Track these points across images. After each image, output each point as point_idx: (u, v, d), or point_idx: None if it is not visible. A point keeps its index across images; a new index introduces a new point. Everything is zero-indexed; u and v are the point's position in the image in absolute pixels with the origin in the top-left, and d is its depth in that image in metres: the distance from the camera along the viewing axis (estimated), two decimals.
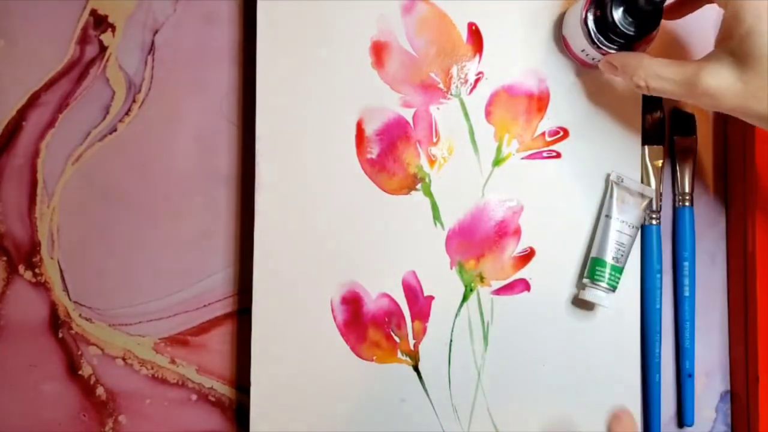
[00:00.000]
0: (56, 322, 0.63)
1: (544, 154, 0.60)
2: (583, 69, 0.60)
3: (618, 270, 0.58)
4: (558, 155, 0.60)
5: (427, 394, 0.60)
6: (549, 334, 0.60)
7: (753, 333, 0.60)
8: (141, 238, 0.63)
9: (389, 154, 0.60)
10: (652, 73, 0.50)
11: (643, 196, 0.60)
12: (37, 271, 0.63)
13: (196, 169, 0.63)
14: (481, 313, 0.60)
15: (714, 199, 0.64)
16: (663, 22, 0.53)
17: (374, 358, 0.60)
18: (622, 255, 0.58)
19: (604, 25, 0.53)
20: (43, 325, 0.63)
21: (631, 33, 0.52)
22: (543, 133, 0.60)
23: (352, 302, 0.60)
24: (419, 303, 0.60)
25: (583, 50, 0.56)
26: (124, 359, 0.63)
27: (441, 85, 0.60)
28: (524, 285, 0.60)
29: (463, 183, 0.60)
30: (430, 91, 0.60)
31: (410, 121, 0.60)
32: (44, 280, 0.63)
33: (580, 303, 0.60)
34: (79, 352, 0.63)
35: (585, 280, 0.59)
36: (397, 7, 0.60)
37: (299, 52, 0.60)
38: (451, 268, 0.60)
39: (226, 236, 0.63)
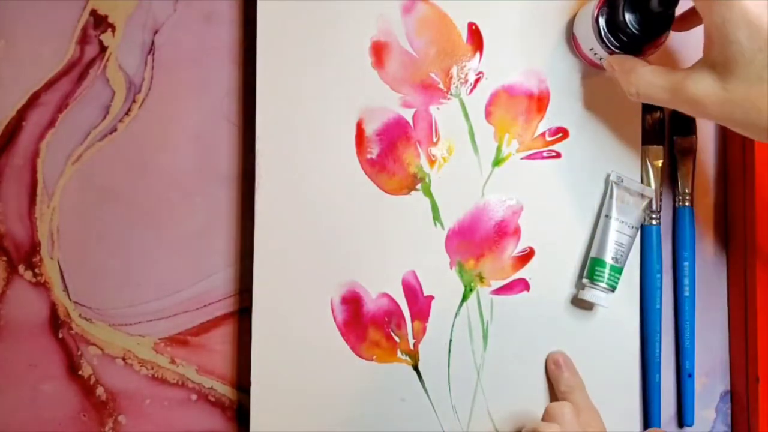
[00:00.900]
0: (56, 322, 0.63)
1: (544, 154, 0.60)
2: (584, 69, 0.60)
3: (617, 270, 0.58)
4: (558, 155, 0.60)
5: (427, 394, 0.60)
6: (549, 334, 0.60)
7: (753, 333, 0.60)
8: (141, 238, 0.63)
9: (389, 154, 0.60)
10: (644, 80, 0.50)
11: (643, 196, 0.60)
12: (37, 271, 0.63)
13: (196, 169, 0.63)
14: (481, 313, 0.60)
15: (714, 199, 0.64)
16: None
17: (374, 357, 0.60)
18: (621, 255, 0.58)
19: (615, 25, 0.53)
20: (43, 325, 0.63)
21: (641, 35, 0.52)
22: (543, 133, 0.60)
23: (352, 302, 0.60)
24: (419, 303, 0.60)
25: (591, 49, 0.56)
26: (124, 359, 0.63)
27: (441, 85, 0.60)
28: (524, 285, 0.60)
29: (463, 183, 0.60)
30: (430, 91, 0.60)
31: (410, 121, 0.60)
32: (44, 280, 0.63)
33: (580, 303, 0.60)
34: (79, 352, 0.63)
35: (584, 280, 0.59)
36: (397, 7, 0.60)
37: (299, 52, 0.60)
38: (451, 268, 0.60)
39: (226, 236, 0.63)
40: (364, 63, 0.60)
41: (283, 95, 0.60)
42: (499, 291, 0.60)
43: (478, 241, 0.60)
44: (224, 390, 0.63)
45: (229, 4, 0.64)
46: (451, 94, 0.60)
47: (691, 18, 0.55)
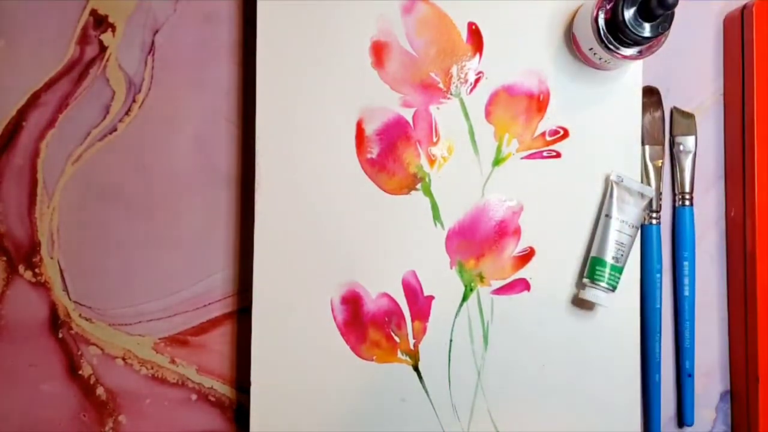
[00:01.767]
0: (56, 322, 0.63)
1: (544, 154, 0.60)
2: (583, 69, 0.60)
3: (618, 270, 0.58)
4: (558, 155, 0.60)
5: (427, 394, 0.60)
6: (549, 334, 0.60)
7: (753, 333, 0.60)
8: (141, 238, 0.63)
9: (389, 154, 0.60)
10: None
11: (643, 196, 0.60)
12: (37, 271, 0.63)
13: (196, 169, 0.63)
14: (481, 313, 0.60)
15: (714, 199, 0.64)
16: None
17: (374, 358, 0.60)
18: (622, 255, 0.58)
19: (615, 25, 0.53)
20: (43, 325, 0.63)
21: (641, 35, 0.52)
22: (543, 133, 0.60)
23: (352, 302, 0.60)
24: (419, 303, 0.60)
25: (591, 49, 0.56)
26: (124, 359, 0.63)
27: (441, 85, 0.60)
28: (524, 285, 0.60)
29: (463, 183, 0.60)
30: (430, 91, 0.60)
31: (410, 121, 0.60)
32: (44, 280, 0.63)
33: (580, 303, 0.60)
34: (79, 352, 0.63)
35: (585, 280, 0.59)
36: (397, 7, 0.60)
37: (299, 52, 0.60)
38: (451, 268, 0.60)
39: (226, 236, 0.63)
40: (364, 63, 0.60)
41: (283, 95, 0.60)
42: (499, 291, 0.60)
43: (478, 241, 0.60)
44: (224, 390, 0.63)
45: (229, 4, 0.64)
46: (451, 94, 0.60)
47: None
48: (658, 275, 0.61)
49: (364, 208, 0.60)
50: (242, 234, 0.63)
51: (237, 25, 0.64)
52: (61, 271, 0.63)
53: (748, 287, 0.60)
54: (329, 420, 0.59)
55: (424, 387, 0.60)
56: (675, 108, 0.63)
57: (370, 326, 0.60)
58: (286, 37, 0.60)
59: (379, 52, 0.60)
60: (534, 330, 0.60)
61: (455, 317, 0.60)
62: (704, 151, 0.64)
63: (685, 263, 0.62)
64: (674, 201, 0.63)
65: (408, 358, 0.60)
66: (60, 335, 0.63)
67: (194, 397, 0.63)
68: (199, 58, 0.63)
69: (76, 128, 0.63)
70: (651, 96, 0.62)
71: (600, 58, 0.56)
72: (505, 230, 0.60)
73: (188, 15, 0.64)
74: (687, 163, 0.62)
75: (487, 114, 0.60)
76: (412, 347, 0.60)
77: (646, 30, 0.52)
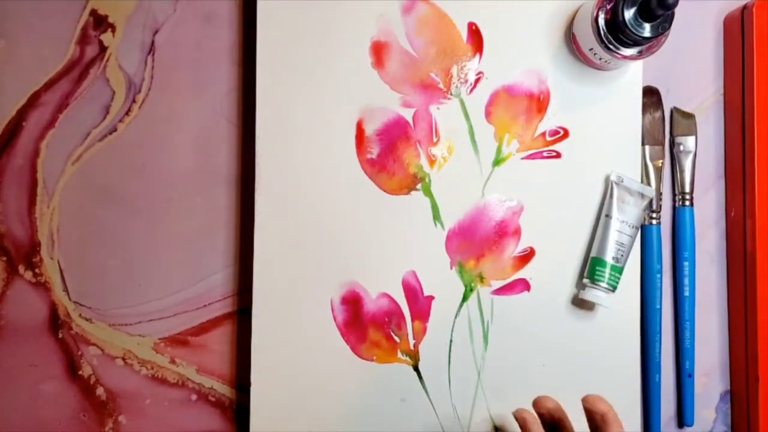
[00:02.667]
0: (56, 322, 0.63)
1: (544, 154, 0.60)
2: (583, 69, 0.60)
3: (618, 270, 0.58)
4: (558, 155, 0.60)
5: (427, 394, 0.60)
6: (549, 334, 0.60)
7: (753, 333, 0.60)
8: (141, 238, 0.63)
9: (389, 154, 0.60)
10: None
11: (643, 196, 0.60)
12: (37, 271, 0.63)
13: (196, 169, 0.63)
14: (481, 313, 0.60)
15: (714, 199, 0.64)
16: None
17: (374, 358, 0.60)
18: (622, 255, 0.58)
19: (615, 25, 0.53)
20: (43, 325, 0.63)
21: (641, 35, 0.52)
22: (543, 133, 0.60)
23: (352, 302, 0.60)
24: (419, 303, 0.60)
25: (591, 49, 0.56)
26: (124, 359, 0.63)
27: (441, 85, 0.60)
28: (524, 285, 0.60)
29: (463, 183, 0.60)
30: (430, 91, 0.60)
31: (410, 121, 0.60)
32: (44, 280, 0.63)
33: (580, 303, 0.60)
34: (79, 352, 0.63)
35: (585, 280, 0.59)
36: (397, 7, 0.60)
37: (299, 52, 0.60)
38: (451, 268, 0.60)
39: (226, 236, 0.63)
40: (364, 63, 0.60)
41: (283, 95, 0.60)
42: (499, 291, 0.60)
43: (478, 241, 0.60)
44: (224, 390, 0.63)
45: (229, 4, 0.64)
46: (451, 94, 0.60)
47: None
48: (658, 275, 0.61)
49: (364, 208, 0.60)
50: (242, 234, 0.63)
51: (237, 26, 0.64)
52: (61, 271, 0.63)
53: (748, 287, 0.60)
54: (329, 420, 0.59)
55: (424, 387, 0.60)
56: (675, 108, 0.63)
57: (370, 326, 0.60)
58: (286, 37, 0.60)
59: (379, 52, 0.60)
60: (534, 330, 0.60)
61: (455, 317, 0.60)
62: (704, 151, 0.64)
63: (685, 263, 0.62)
64: (674, 201, 0.63)
65: (408, 358, 0.60)
66: (60, 335, 0.63)
67: (194, 397, 0.63)
68: (199, 58, 0.63)
69: (76, 128, 0.63)
70: (651, 96, 0.62)
71: (600, 59, 0.56)
72: (505, 230, 0.60)
73: (188, 15, 0.64)
74: (687, 163, 0.62)
75: (487, 114, 0.60)
76: (412, 347, 0.60)
77: (646, 30, 0.52)
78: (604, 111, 0.60)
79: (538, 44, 0.60)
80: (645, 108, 0.61)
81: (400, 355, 0.60)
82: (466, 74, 0.60)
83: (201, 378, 0.63)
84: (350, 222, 0.60)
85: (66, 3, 0.63)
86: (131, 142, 0.63)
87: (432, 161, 0.60)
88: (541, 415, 0.52)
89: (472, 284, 0.60)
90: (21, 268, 0.63)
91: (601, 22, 0.54)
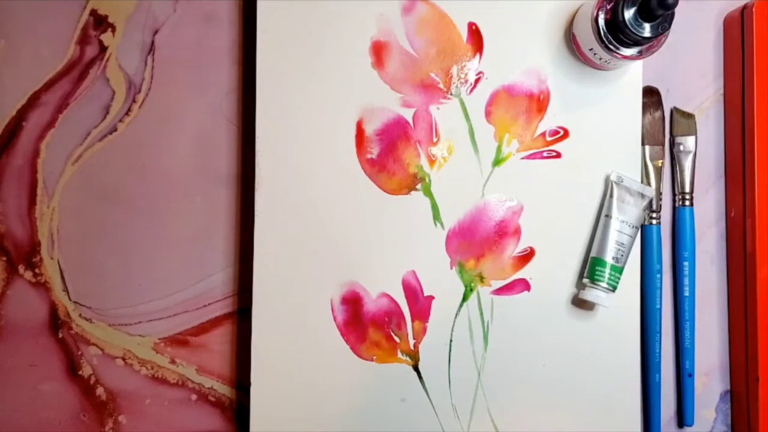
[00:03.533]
0: (56, 322, 0.63)
1: (544, 154, 0.60)
2: (583, 69, 0.60)
3: (618, 270, 0.58)
4: (558, 155, 0.60)
5: (427, 394, 0.60)
6: (549, 334, 0.60)
7: (753, 333, 0.60)
8: (141, 238, 0.63)
9: (389, 154, 0.60)
10: None
11: (643, 196, 0.60)
12: (37, 271, 0.63)
13: (196, 169, 0.63)
14: (481, 313, 0.60)
15: (714, 199, 0.64)
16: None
17: (374, 358, 0.60)
18: (622, 255, 0.58)
19: (615, 25, 0.53)
20: (43, 325, 0.63)
21: (641, 35, 0.52)
22: (543, 133, 0.60)
23: (352, 302, 0.60)
24: (419, 303, 0.60)
25: (591, 49, 0.56)
26: (124, 359, 0.63)
27: (441, 85, 0.60)
28: (524, 285, 0.60)
29: (463, 183, 0.60)
30: (430, 91, 0.60)
31: (410, 121, 0.60)
32: (44, 280, 0.63)
33: (580, 303, 0.60)
34: (79, 352, 0.63)
35: (585, 280, 0.59)
36: (397, 7, 0.60)
37: (299, 51, 0.60)
38: (451, 268, 0.60)
39: (226, 236, 0.63)
40: (364, 63, 0.60)
41: (283, 95, 0.60)
42: (499, 291, 0.60)
43: (478, 241, 0.60)
44: (224, 390, 0.63)
45: (229, 4, 0.64)
46: (451, 94, 0.60)
47: None
48: (658, 275, 0.61)
49: (364, 208, 0.60)
50: (242, 234, 0.63)
51: (237, 26, 0.64)
52: (61, 271, 0.63)
53: (748, 287, 0.60)
54: (329, 420, 0.59)
55: (424, 387, 0.60)
56: (675, 108, 0.63)
57: (370, 326, 0.60)
58: (286, 37, 0.60)
59: (379, 52, 0.60)
60: (534, 330, 0.60)
61: (455, 317, 0.60)
62: (704, 151, 0.64)
63: (685, 263, 0.62)
64: (674, 201, 0.63)
65: (408, 358, 0.60)
66: (60, 335, 0.63)
67: (194, 397, 0.63)
68: (199, 58, 0.63)
69: (76, 128, 0.63)
70: (651, 96, 0.62)
71: (600, 59, 0.56)
72: (505, 230, 0.60)
73: (188, 15, 0.64)
74: (687, 163, 0.62)
75: (487, 114, 0.60)
76: (412, 347, 0.60)
77: (646, 30, 0.52)
78: (604, 111, 0.60)
79: (538, 44, 0.60)
80: (645, 108, 0.61)
81: (400, 355, 0.60)
82: (466, 74, 0.60)
83: (201, 378, 0.63)
84: (350, 222, 0.60)
85: (66, 3, 0.63)
86: (131, 142, 0.63)
87: (432, 161, 0.60)
88: None
89: (472, 284, 0.60)
90: (21, 268, 0.63)
91: (601, 22, 0.54)
